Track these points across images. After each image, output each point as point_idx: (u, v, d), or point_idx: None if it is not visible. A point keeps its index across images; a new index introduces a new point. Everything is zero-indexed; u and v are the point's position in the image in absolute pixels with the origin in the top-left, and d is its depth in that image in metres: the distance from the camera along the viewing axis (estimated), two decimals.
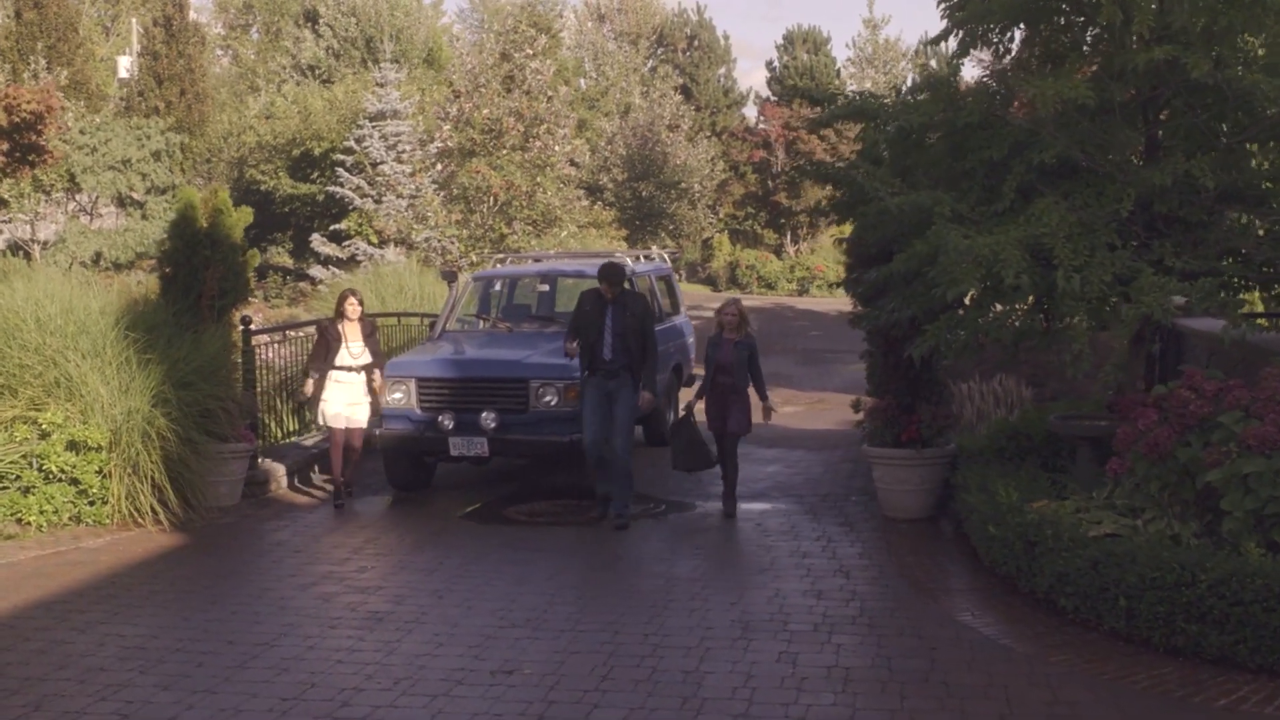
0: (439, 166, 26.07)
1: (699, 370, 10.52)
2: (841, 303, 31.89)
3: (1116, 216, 7.38)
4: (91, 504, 9.06)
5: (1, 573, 7.87)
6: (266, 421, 11.33)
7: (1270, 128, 7.61)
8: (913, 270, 7.69)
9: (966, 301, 8.12)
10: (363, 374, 10.03)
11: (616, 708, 5.44)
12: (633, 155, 38.47)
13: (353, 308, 10.09)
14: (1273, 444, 6.12)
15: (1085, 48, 8.33)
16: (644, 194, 38.07)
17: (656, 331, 9.76)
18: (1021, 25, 8.37)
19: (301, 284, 29.41)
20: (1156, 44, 7.19)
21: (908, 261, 7.61)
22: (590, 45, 48.59)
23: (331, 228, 29.85)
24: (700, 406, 9.63)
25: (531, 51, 26.04)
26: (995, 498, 7.46)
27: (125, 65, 33.98)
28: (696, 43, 50.26)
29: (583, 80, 45.94)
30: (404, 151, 28.79)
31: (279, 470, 10.70)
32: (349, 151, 29.71)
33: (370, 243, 28.22)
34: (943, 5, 8.27)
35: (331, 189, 30.05)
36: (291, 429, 12.06)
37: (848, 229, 9.90)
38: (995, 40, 8.44)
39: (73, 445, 9.02)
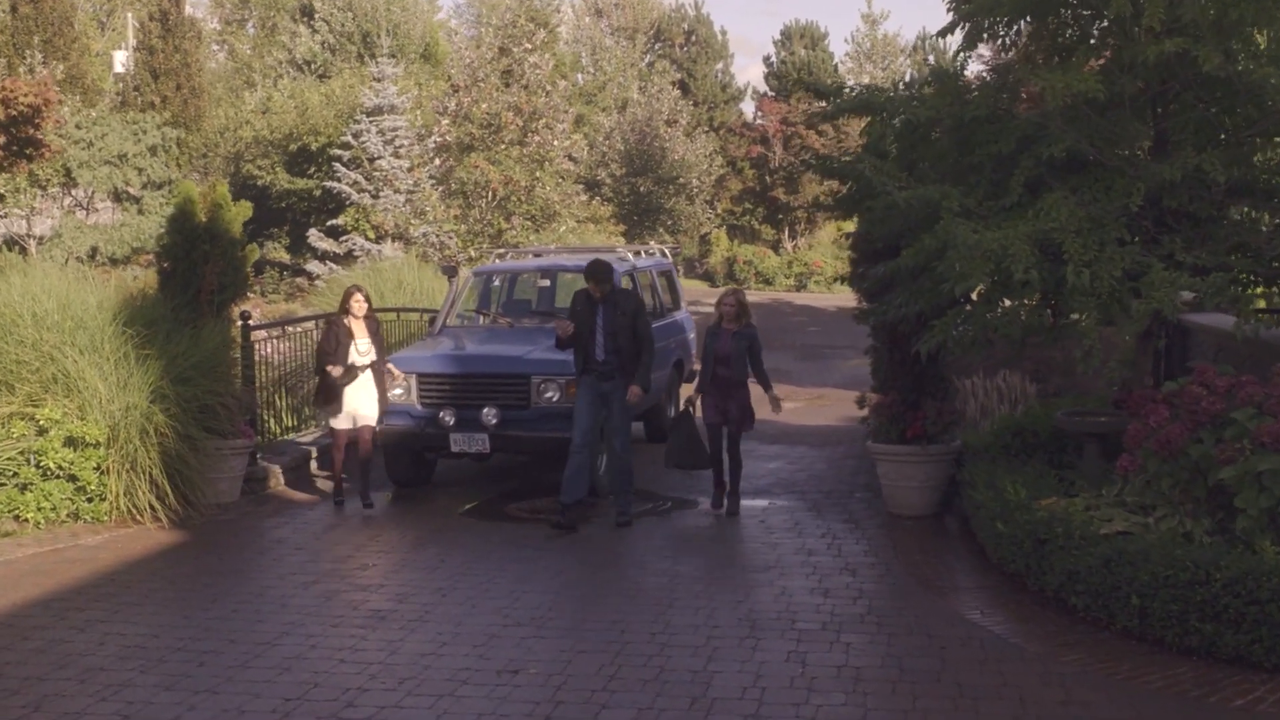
0: (437, 161, 25.98)
1: (699, 366, 10.45)
2: (839, 298, 31.91)
3: (1126, 211, 7.32)
4: (90, 501, 8.99)
5: None
6: (265, 418, 11.25)
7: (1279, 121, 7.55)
8: (920, 265, 7.63)
9: (974, 297, 8.06)
10: (370, 371, 9.90)
11: (625, 708, 5.38)
12: (630, 150, 38.32)
13: (359, 304, 9.91)
14: None
15: (1093, 40, 8.27)
16: (642, 189, 37.93)
17: (657, 327, 9.66)
18: (1028, 18, 8.29)
19: (298, 279, 29.29)
20: (1167, 37, 7.12)
21: (915, 256, 7.55)
22: (588, 40, 48.42)
23: (329, 223, 29.70)
24: (699, 401, 9.55)
25: (530, 46, 25.93)
26: (1003, 495, 7.40)
27: (121, 60, 33.85)
28: (694, 38, 50.12)
29: (580, 75, 45.82)
30: (401, 146, 28.68)
31: (276, 468, 10.61)
32: (346, 146, 29.56)
33: (368, 238, 28.09)
34: None
35: (329, 184, 29.91)
36: (290, 425, 11.97)
37: (849, 225, 9.84)
38: (1002, 34, 8.39)
39: (70, 441, 8.95)
